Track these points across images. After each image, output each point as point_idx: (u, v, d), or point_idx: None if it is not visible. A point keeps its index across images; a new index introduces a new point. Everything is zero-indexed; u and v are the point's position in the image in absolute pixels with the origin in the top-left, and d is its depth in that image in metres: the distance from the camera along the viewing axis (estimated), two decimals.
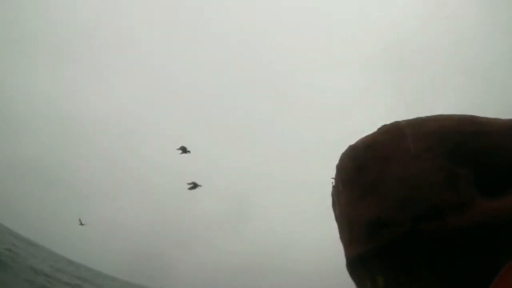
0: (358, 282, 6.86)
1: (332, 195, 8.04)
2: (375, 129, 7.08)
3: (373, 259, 6.04)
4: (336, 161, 7.64)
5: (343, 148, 7.46)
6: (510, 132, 6.45)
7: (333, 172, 7.80)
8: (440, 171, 5.83)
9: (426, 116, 6.89)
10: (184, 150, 12.14)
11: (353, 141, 7.31)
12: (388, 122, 6.95)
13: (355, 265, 6.65)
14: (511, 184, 5.62)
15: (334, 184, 7.90)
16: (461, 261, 5.35)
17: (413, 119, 6.85)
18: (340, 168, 7.24)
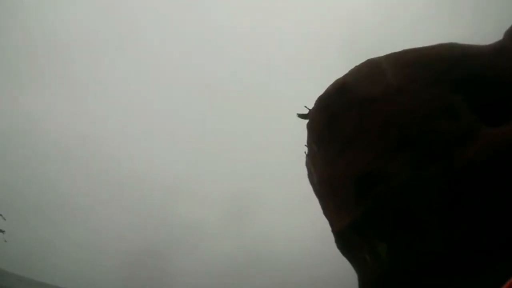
0: (353, 258, 5.54)
1: (307, 164, 6.76)
2: None
3: (369, 224, 4.76)
4: None
5: None
6: (498, 54, 5.55)
7: None
8: (433, 101, 4.71)
9: (402, 50, 5.85)
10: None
11: None
12: None
13: (347, 238, 5.30)
14: None
15: (307, 151, 6.64)
16: (478, 204, 4.20)
17: (388, 54, 5.77)
18: (311, 125, 5.95)
